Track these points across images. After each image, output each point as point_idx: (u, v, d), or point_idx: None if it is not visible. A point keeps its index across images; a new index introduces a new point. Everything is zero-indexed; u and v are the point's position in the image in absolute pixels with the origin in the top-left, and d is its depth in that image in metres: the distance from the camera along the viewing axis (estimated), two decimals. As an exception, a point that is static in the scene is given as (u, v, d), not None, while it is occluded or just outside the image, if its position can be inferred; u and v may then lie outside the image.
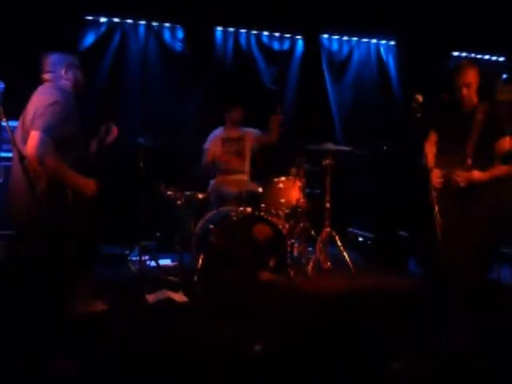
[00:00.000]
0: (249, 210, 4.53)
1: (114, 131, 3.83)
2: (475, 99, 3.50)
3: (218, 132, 5.40)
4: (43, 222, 3.02)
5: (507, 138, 3.41)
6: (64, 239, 3.11)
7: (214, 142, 5.33)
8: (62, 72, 3.48)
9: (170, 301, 3.92)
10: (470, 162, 3.34)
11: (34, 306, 2.89)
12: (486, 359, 2.91)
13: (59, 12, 5.46)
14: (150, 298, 3.97)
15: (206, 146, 5.34)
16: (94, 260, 3.74)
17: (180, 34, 6.22)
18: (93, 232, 3.47)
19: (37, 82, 3.61)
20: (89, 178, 3.40)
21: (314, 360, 2.85)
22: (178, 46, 6.21)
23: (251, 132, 5.44)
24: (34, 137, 3.08)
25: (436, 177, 3.45)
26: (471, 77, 3.43)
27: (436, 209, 2.97)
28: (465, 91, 3.42)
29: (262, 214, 4.55)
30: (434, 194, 3.48)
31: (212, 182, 5.30)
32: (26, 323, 2.81)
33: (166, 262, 5.23)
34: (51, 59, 3.49)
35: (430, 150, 3.67)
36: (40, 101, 3.26)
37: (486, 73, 7.02)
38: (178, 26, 6.21)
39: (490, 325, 3.48)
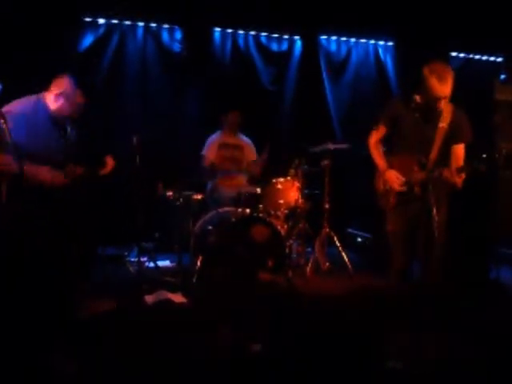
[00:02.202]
0: (247, 211, 4.53)
1: (109, 164, 3.92)
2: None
3: (215, 137, 5.38)
4: None
5: (461, 146, 3.31)
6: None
7: (210, 147, 5.31)
8: (54, 93, 3.53)
9: (169, 302, 3.91)
10: (431, 165, 3.21)
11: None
12: (486, 359, 2.91)
13: (58, 13, 5.47)
14: (149, 299, 3.96)
15: (204, 152, 5.30)
16: (88, 265, 3.75)
17: (178, 35, 6.23)
18: (85, 237, 3.48)
19: (35, 82, 3.63)
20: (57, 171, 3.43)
21: (313, 361, 2.85)
22: (177, 47, 6.21)
23: (251, 149, 5.45)
24: None
25: (398, 183, 3.32)
26: (451, 87, 3.15)
27: (434, 211, 2.94)
28: (443, 103, 3.19)
29: (261, 214, 4.56)
30: (392, 200, 3.42)
31: (210, 184, 5.29)
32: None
33: (164, 262, 5.23)
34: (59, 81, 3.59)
35: (376, 144, 3.54)
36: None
37: (484, 73, 7.11)
38: (176, 27, 6.22)
39: (490, 325, 3.49)
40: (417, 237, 3.31)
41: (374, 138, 3.58)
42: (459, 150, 3.33)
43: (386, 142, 3.60)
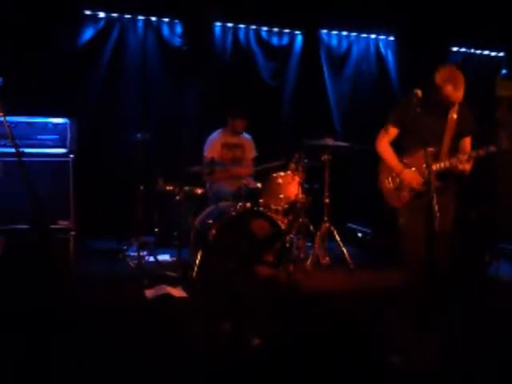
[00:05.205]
0: (247, 205, 4.53)
1: None
2: None
3: (217, 136, 5.34)
4: None
5: (468, 139, 3.40)
6: None
7: (213, 147, 5.26)
8: None
9: (169, 296, 3.92)
10: (444, 156, 3.30)
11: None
12: (485, 358, 2.91)
13: (58, 7, 5.45)
14: (149, 293, 3.97)
15: (206, 153, 5.24)
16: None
17: (179, 29, 6.20)
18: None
19: (35, 77, 3.61)
20: None
21: (313, 355, 2.85)
22: (177, 41, 6.19)
23: (251, 146, 5.47)
24: None
25: (417, 182, 3.33)
26: (464, 91, 3.25)
27: (436, 208, 2.93)
28: (456, 107, 3.31)
29: (261, 209, 4.55)
30: (406, 194, 3.43)
31: (210, 179, 5.27)
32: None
33: (164, 257, 5.22)
34: None
35: (387, 145, 3.53)
36: None
37: (486, 68, 7.09)
38: (176, 20, 6.19)
39: (490, 321, 3.49)
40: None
41: (384, 138, 3.55)
42: (467, 142, 3.42)
43: (394, 144, 3.59)
